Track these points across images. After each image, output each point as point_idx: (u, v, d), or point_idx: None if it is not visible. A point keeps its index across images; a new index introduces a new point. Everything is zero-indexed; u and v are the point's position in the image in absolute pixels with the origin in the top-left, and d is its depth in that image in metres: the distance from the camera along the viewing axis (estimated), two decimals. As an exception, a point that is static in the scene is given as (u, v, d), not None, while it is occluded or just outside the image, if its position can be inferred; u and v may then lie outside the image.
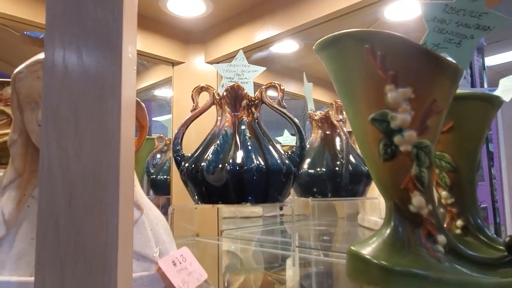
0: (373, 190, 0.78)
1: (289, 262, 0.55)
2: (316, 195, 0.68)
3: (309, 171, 0.68)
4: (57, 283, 0.24)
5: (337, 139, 0.71)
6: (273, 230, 1.00)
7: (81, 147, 0.25)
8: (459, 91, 0.50)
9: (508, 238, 0.40)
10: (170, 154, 1.12)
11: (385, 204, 0.42)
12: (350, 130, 0.87)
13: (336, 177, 0.66)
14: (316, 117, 0.74)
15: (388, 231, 0.40)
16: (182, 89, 0.93)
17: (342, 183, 0.65)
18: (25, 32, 0.89)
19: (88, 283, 0.24)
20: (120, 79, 0.25)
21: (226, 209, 1.06)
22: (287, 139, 1.26)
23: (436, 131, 0.40)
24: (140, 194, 0.39)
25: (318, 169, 0.68)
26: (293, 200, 0.72)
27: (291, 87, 1.16)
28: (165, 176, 1.08)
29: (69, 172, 0.25)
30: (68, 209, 0.25)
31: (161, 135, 1.17)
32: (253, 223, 1.09)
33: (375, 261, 0.37)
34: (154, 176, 1.09)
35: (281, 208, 1.18)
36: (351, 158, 0.68)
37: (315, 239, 0.75)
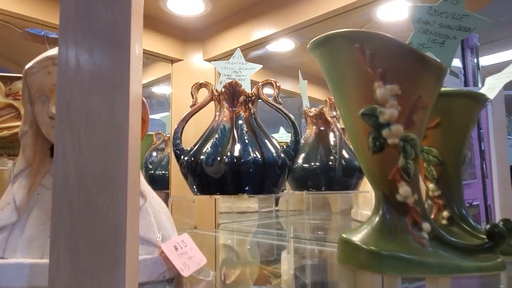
0: (366, 185, 0.81)
1: (284, 251, 0.58)
2: (310, 189, 0.70)
3: (304, 165, 0.71)
4: (70, 258, 0.27)
5: (331, 135, 0.73)
6: (269, 224, 1.03)
7: (93, 136, 0.27)
8: (447, 89, 0.52)
9: (488, 226, 0.43)
10: (168, 150, 1.14)
11: (374, 193, 0.44)
12: (344, 127, 0.90)
13: (329, 171, 0.68)
14: (311, 114, 0.77)
15: (376, 219, 0.42)
16: (180, 86, 0.96)
17: (335, 177, 0.67)
18: (26, 29, 0.91)
19: (100, 259, 0.27)
20: (128, 75, 0.28)
21: (223, 205, 1.08)
22: (282, 136, 1.29)
23: (421, 125, 0.42)
24: (143, 183, 0.42)
25: (312, 164, 0.70)
26: (289, 194, 0.74)
27: (287, 85, 1.18)
28: (163, 171, 1.10)
29: (81, 158, 0.27)
30: (80, 192, 0.27)
31: (160, 132, 1.19)
32: (249, 218, 1.12)
33: (364, 246, 0.40)
34: (152, 172, 1.11)
35: (276, 204, 1.21)
36: (344, 153, 0.70)
37: (309, 231, 0.78)
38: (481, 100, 0.53)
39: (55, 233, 0.27)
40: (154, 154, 1.20)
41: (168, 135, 1.16)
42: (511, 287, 0.39)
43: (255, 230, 0.88)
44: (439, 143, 0.54)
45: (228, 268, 0.51)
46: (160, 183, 1.08)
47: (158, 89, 1.28)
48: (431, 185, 0.55)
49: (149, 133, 1.25)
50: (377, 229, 0.41)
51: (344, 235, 0.43)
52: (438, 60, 0.40)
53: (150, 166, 1.15)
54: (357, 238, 0.41)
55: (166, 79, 1.04)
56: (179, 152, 0.58)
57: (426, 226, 0.41)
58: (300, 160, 0.72)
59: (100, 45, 0.28)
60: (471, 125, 0.55)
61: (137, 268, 0.30)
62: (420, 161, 0.54)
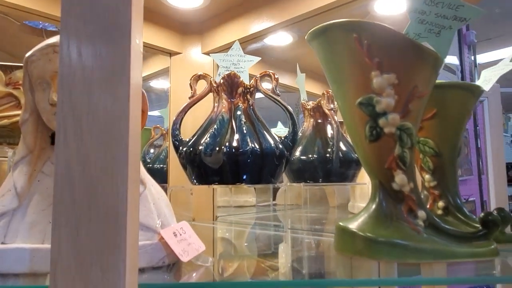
0: (363, 178, 0.82)
1: (282, 241, 0.58)
2: (308, 181, 0.71)
3: (301, 157, 0.71)
4: (72, 239, 0.27)
5: (328, 127, 0.74)
6: (267, 217, 1.03)
7: (94, 122, 0.28)
8: (443, 81, 0.53)
9: (482, 214, 0.43)
10: (166, 144, 1.15)
11: (371, 183, 0.45)
12: (341, 120, 0.90)
13: (327, 163, 0.69)
14: (309, 107, 0.77)
15: (373, 207, 0.43)
16: (179, 79, 0.96)
17: (333, 168, 0.68)
18: (24, 22, 0.91)
19: (101, 243, 0.27)
20: (129, 61, 0.28)
21: (220, 198, 1.09)
22: (280, 131, 1.29)
23: (417, 114, 0.43)
24: (143, 171, 0.42)
25: (310, 156, 0.71)
26: (286, 187, 0.75)
27: (284, 80, 1.18)
28: (161, 165, 1.10)
29: (83, 144, 0.28)
30: (82, 175, 0.28)
31: (158, 125, 1.19)
32: (246, 212, 1.12)
33: (360, 233, 0.40)
34: (150, 165, 1.12)
35: (274, 198, 1.21)
36: (342, 145, 0.71)
37: (306, 223, 0.78)
38: (476, 91, 0.54)
39: (56, 218, 0.27)
40: (152, 151, 1.20)
41: (166, 129, 1.16)
42: (505, 273, 0.39)
43: (253, 222, 0.88)
44: (435, 135, 0.54)
45: (225, 255, 0.52)
46: (158, 177, 1.08)
47: (156, 84, 1.28)
48: (427, 176, 0.56)
49: (147, 127, 1.25)
50: (373, 216, 0.42)
51: (341, 223, 0.44)
52: (434, 50, 0.40)
53: (148, 160, 1.15)
54: (353, 225, 0.42)
55: (165, 72, 1.04)
56: (177, 143, 0.58)
57: (421, 214, 0.42)
58: (297, 153, 0.73)
59: (102, 33, 0.28)
60: (466, 117, 0.56)
61: (137, 252, 0.31)
62: (416, 152, 0.55)
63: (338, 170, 0.69)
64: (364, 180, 0.78)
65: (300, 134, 0.76)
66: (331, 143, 0.71)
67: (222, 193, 1.11)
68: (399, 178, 0.42)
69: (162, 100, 1.30)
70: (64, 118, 0.28)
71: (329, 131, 0.74)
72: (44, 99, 0.37)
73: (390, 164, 0.42)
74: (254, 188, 1.05)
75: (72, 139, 0.28)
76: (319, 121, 0.76)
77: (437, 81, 0.46)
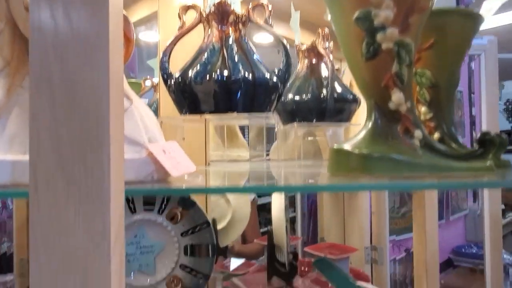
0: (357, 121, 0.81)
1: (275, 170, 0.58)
2: (301, 121, 0.70)
3: (295, 98, 0.70)
4: (53, 140, 0.26)
5: (323, 67, 0.72)
6: (260, 166, 1.03)
7: (70, 13, 0.26)
8: (441, 7, 0.51)
9: (480, 134, 0.42)
10: (157, 96, 1.12)
11: (366, 104, 0.43)
12: (337, 68, 0.88)
13: (321, 102, 0.67)
14: (303, 48, 0.75)
15: (368, 126, 0.42)
16: (168, 24, 0.92)
17: (327, 108, 0.67)
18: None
19: (83, 137, 0.26)
20: None
21: (213, 152, 1.08)
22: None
23: (417, 31, 0.41)
24: (128, 88, 0.40)
25: (304, 96, 0.69)
26: (279, 129, 0.74)
27: (279, 30, 1.14)
28: (152, 117, 1.08)
29: (60, 35, 0.26)
30: (60, 70, 0.26)
31: (148, 77, 1.16)
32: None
33: (356, 151, 0.39)
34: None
35: (267, 154, 1.20)
36: (336, 85, 0.69)
37: (299, 169, 0.78)
38: (476, 19, 0.52)
39: (35, 112, 0.26)
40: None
41: (157, 82, 1.13)
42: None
43: (246, 169, 0.88)
44: (432, 65, 0.53)
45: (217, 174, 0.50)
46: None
47: (145, 36, 1.24)
48: (423, 109, 0.54)
49: (137, 80, 1.23)
50: (368, 135, 0.41)
51: (335, 146, 0.43)
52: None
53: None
54: (348, 146, 0.41)
55: (153, 18, 0.99)
56: (166, 76, 0.56)
57: (417, 133, 0.41)
58: (291, 94, 0.71)
59: None
60: (466, 46, 0.54)
61: (122, 151, 0.29)
62: (413, 85, 0.54)
63: (332, 110, 0.67)
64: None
65: (294, 76, 0.75)
66: (325, 82, 0.69)
67: (214, 147, 1.10)
68: (396, 96, 0.41)
69: (151, 54, 1.26)
70: (38, 8, 0.26)
71: (324, 71, 0.72)
72: (19, 3, 0.35)
73: (387, 82, 0.41)
74: (247, 138, 1.04)
75: (48, 28, 0.26)
76: (314, 61, 0.74)
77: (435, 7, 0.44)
